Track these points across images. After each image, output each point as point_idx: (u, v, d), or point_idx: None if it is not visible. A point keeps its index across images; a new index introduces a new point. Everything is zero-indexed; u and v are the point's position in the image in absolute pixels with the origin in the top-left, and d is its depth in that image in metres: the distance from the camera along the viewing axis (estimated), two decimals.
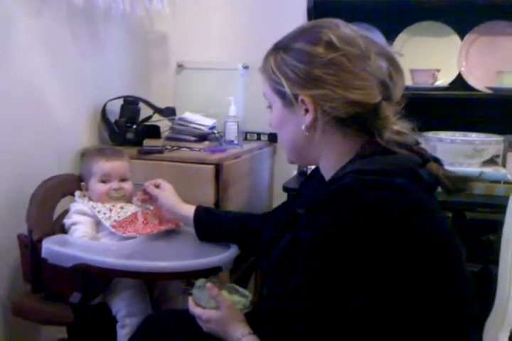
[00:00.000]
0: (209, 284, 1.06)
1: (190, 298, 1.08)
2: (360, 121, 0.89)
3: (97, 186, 1.48)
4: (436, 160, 0.92)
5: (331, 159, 0.94)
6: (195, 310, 1.05)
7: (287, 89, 0.90)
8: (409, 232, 0.77)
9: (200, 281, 1.11)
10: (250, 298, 1.10)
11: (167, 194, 1.38)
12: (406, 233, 0.77)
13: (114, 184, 1.49)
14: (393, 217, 0.77)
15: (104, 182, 1.49)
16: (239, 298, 1.09)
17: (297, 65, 0.89)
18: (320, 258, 0.78)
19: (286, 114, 0.95)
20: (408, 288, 0.77)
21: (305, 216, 0.84)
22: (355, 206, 0.76)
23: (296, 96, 0.90)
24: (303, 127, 0.92)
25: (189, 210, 1.33)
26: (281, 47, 0.94)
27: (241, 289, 1.14)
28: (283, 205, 1.20)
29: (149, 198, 1.42)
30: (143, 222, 1.41)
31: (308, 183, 1.13)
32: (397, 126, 0.90)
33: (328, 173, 0.95)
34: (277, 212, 1.17)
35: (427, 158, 0.90)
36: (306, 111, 0.90)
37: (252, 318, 1.01)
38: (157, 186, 1.41)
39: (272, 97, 0.97)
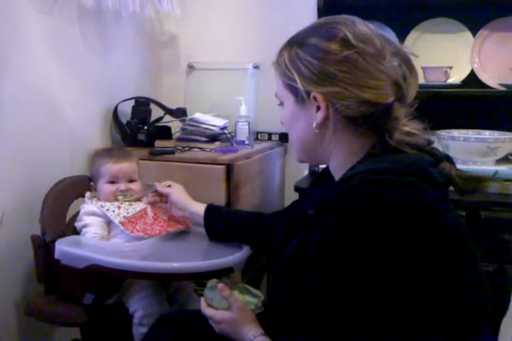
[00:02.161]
0: (221, 285, 1.05)
1: (202, 299, 1.08)
2: (371, 121, 0.88)
3: (104, 187, 1.49)
4: (449, 160, 0.90)
5: (340, 158, 0.93)
6: (207, 310, 1.05)
7: (300, 85, 0.89)
8: (420, 232, 0.76)
9: (211, 282, 1.10)
10: (262, 299, 1.09)
11: (178, 192, 1.39)
12: (417, 233, 0.76)
13: (122, 185, 1.49)
14: (403, 217, 0.76)
15: (112, 182, 1.50)
16: (251, 299, 1.08)
17: (311, 61, 0.88)
18: (331, 259, 0.77)
19: (297, 111, 0.94)
20: (420, 288, 0.76)
21: (315, 217, 0.83)
22: (365, 206, 0.75)
23: (308, 93, 0.89)
24: (314, 125, 0.91)
25: (200, 208, 1.34)
26: (295, 42, 0.93)
27: (253, 289, 1.13)
28: (294, 204, 1.19)
29: (160, 200, 1.43)
30: (153, 216, 1.42)
31: (318, 183, 1.12)
32: (407, 128, 0.88)
33: (337, 173, 0.94)
34: (288, 212, 1.17)
35: (439, 158, 0.88)
36: (318, 108, 0.89)
37: (264, 319, 1.01)
38: (168, 186, 1.42)
39: (284, 93, 0.95)
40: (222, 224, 1.31)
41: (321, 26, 0.93)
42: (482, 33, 1.97)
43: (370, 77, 0.86)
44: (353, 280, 0.75)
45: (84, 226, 1.41)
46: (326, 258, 0.77)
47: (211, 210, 1.33)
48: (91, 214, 1.43)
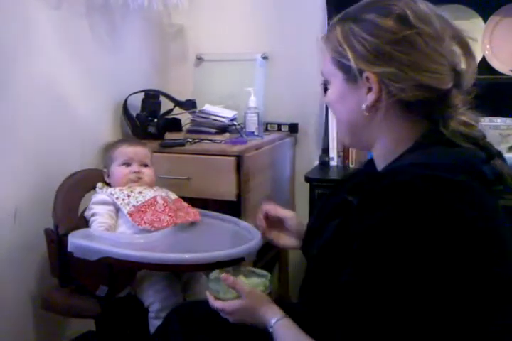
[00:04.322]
0: (224, 275, 1.01)
1: (207, 293, 1.04)
2: (426, 107, 0.82)
3: (117, 169, 1.51)
4: (500, 156, 0.84)
5: (387, 145, 0.87)
6: (215, 303, 1.01)
7: (352, 63, 0.83)
8: (468, 233, 0.72)
9: (214, 273, 1.07)
10: (269, 277, 1.06)
11: (292, 215, 1.18)
12: (464, 233, 0.72)
13: (135, 167, 1.51)
14: (453, 219, 0.71)
15: (125, 166, 1.52)
16: (258, 280, 1.05)
17: (366, 38, 0.82)
18: (375, 258, 0.73)
19: (346, 91, 0.87)
20: (466, 290, 0.72)
21: (359, 210, 0.78)
22: (414, 204, 0.71)
23: (361, 72, 0.83)
24: (363, 107, 0.84)
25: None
26: (349, 17, 0.86)
27: (258, 270, 1.10)
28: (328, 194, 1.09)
29: (274, 225, 1.19)
30: (163, 204, 1.42)
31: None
32: (465, 117, 0.82)
33: (381, 160, 0.89)
34: (322, 200, 1.08)
35: (492, 154, 0.82)
36: (369, 89, 0.83)
37: (295, 310, 0.96)
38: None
39: (333, 71, 0.88)
40: None
41: (378, 2, 0.85)
42: (493, 18, 1.94)
43: (429, 60, 0.80)
44: (396, 282, 0.71)
45: (93, 215, 1.42)
46: (370, 258, 0.73)
47: None
48: (100, 203, 1.44)
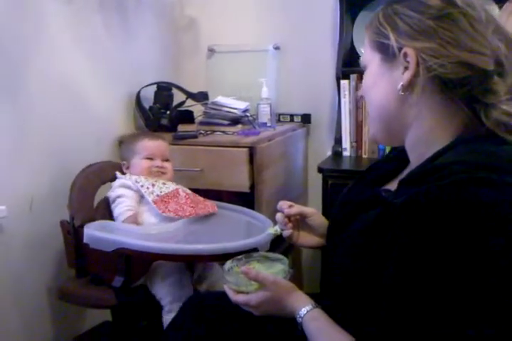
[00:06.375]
0: (243, 269, 0.95)
1: (225, 287, 0.97)
2: (465, 88, 0.79)
3: (140, 162, 1.54)
4: None
5: (422, 131, 0.84)
6: (238, 298, 0.95)
7: (392, 40, 0.82)
8: None
9: (227, 264, 1.02)
10: (287, 261, 1.01)
11: (316, 211, 1.14)
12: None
13: (158, 162, 1.54)
14: (508, 225, 0.68)
15: (148, 159, 1.54)
16: (275, 267, 1.00)
17: (409, 14, 0.82)
18: (421, 265, 0.70)
19: (382, 71, 0.87)
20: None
21: (403, 213, 0.73)
22: (467, 208, 0.68)
23: (399, 49, 0.82)
24: (399, 86, 0.83)
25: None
26: (393, 1, 0.86)
27: (271, 254, 1.06)
28: (351, 186, 1.06)
29: (296, 223, 1.13)
30: (185, 196, 1.45)
31: (387, 157, 1.05)
32: (506, 107, 0.78)
33: (414, 149, 0.87)
34: (344, 191, 1.04)
35: None
36: (406, 69, 0.82)
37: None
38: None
39: (371, 54, 0.88)
40: None
41: None
42: (509, 5, 1.91)
43: (471, 40, 0.78)
44: (442, 290, 0.69)
45: (119, 196, 1.45)
46: (417, 266, 0.70)
47: None
48: (125, 187, 1.47)
